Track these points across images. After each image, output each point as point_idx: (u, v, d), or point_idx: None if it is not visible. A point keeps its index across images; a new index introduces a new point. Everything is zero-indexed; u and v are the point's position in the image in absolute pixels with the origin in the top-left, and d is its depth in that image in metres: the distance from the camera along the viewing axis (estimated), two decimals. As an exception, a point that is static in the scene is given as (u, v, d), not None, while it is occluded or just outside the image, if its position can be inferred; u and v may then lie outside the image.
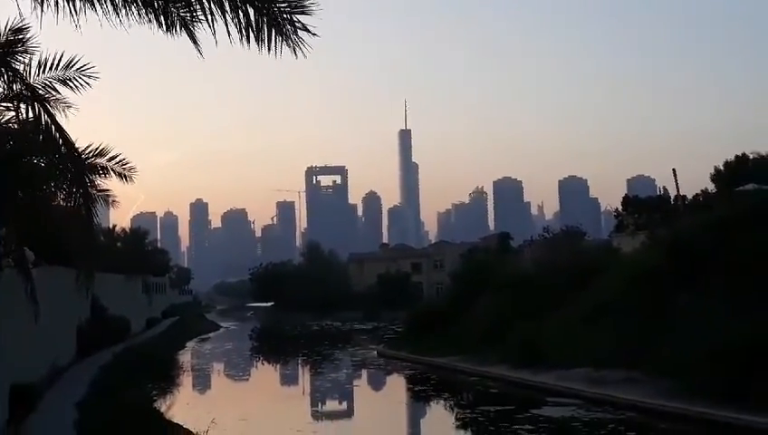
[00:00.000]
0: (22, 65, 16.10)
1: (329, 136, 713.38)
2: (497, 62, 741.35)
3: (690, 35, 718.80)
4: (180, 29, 9.99)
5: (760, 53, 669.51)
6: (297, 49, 9.59)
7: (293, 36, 9.54)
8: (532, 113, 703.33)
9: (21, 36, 15.73)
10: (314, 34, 9.46)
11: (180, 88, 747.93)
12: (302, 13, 9.42)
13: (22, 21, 15.25)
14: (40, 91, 16.02)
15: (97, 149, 19.64)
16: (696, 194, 78.46)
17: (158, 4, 9.70)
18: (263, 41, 9.47)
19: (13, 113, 17.14)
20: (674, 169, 64.29)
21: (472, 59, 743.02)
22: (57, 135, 15.99)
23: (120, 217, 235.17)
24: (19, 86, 15.94)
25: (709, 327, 26.88)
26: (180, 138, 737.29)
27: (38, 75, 16.05)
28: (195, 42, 9.93)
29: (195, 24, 9.84)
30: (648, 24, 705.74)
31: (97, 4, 9.73)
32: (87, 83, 16.22)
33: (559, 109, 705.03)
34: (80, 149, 17.98)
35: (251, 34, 9.41)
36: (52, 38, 13.96)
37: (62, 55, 15.96)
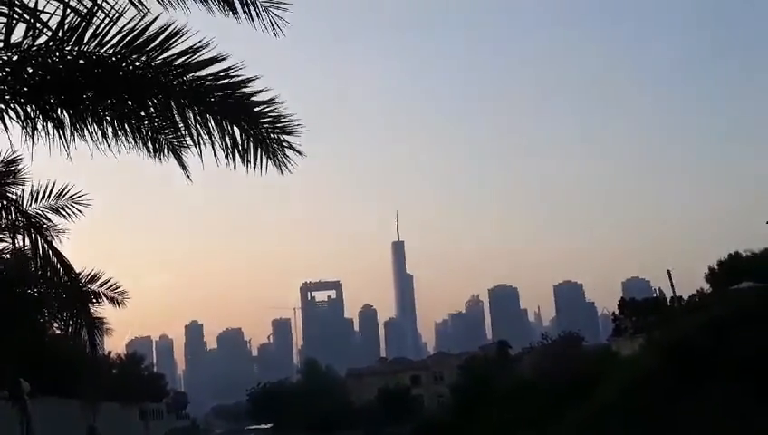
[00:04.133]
0: (14, 195, 16.23)
1: (322, 251, 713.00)
2: (487, 169, 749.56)
3: (681, 140, 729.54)
4: (168, 154, 10.21)
5: (748, 155, 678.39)
6: (284, 166, 9.90)
7: (280, 155, 9.82)
8: (523, 219, 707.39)
9: (13, 167, 15.92)
10: (300, 153, 9.80)
11: (172, 208, 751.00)
12: (288, 133, 9.73)
13: (14, 153, 15.47)
14: (34, 220, 16.11)
15: (90, 274, 19.56)
16: (692, 294, 78.50)
17: (146, 131, 9.91)
18: (249, 161, 9.77)
19: (5, 244, 17.18)
20: (669, 271, 64.53)
21: (461, 166, 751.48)
22: (55, 260, 16.02)
23: (114, 343, 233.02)
24: (14, 215, 16.04)
25: (710, 431, 26.55)
26: (173, 259, 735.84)
27: (31, 205, 16.17)
28: (183, 166, 10.16)
29: (182, 148, 10.07)
30: (635, 130, 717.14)
31: (87, 134, 9.89)
32: (79, 211, 16.32)
33: (550, 213, 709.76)
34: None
35: (237, 155, 9.69)
36: (44, 163, 14.11)
37: (53, 184, 16.09)
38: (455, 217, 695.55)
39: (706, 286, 77.45)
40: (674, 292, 67.14)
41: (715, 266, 77.69)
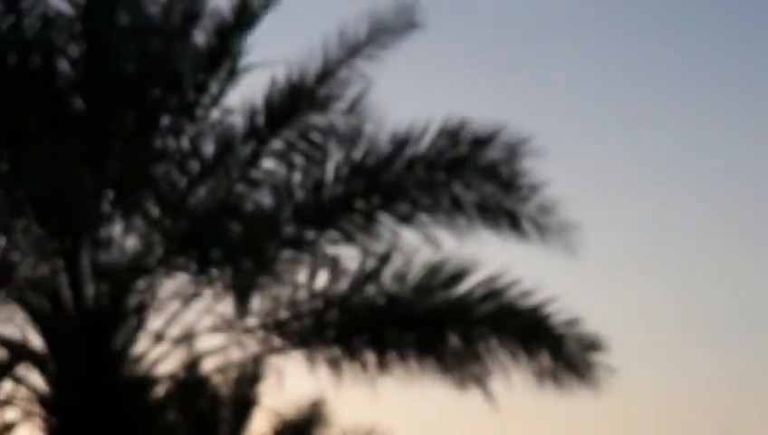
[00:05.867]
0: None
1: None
2: None
3: None
4: (471, 385, 10.01)
5: None
6: (595, 389, 9.30)
7: (589, 377, 9.23)
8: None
9: (320, 410, 16.55)
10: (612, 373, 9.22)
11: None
12: (596, 351, 9.22)
13: (318, 396, 16.15)
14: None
15: None
16: None
17: (449, 363, 9.81)
18: (559, 386, 9.21)
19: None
20: None
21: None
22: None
23: None
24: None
25: None
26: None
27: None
28: (488, 397, 9.75)
29: (486, 378, 9.85)
30: None
31: (390, 372, 10.01)
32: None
33: None
34: None
35: (546, 381, 9.19)
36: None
37: (362, 424, 16.62)
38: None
39: None
40: None
41: None
